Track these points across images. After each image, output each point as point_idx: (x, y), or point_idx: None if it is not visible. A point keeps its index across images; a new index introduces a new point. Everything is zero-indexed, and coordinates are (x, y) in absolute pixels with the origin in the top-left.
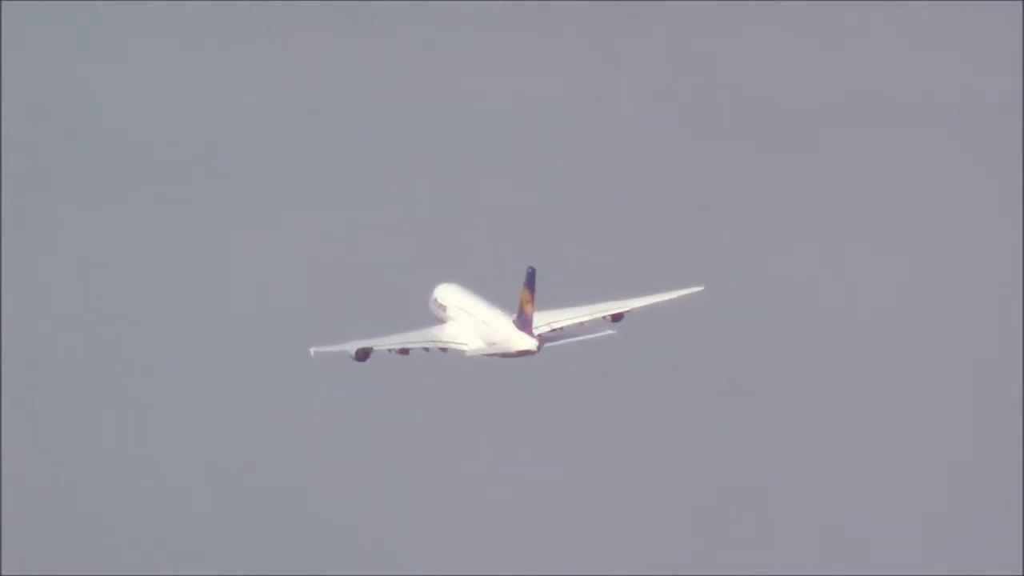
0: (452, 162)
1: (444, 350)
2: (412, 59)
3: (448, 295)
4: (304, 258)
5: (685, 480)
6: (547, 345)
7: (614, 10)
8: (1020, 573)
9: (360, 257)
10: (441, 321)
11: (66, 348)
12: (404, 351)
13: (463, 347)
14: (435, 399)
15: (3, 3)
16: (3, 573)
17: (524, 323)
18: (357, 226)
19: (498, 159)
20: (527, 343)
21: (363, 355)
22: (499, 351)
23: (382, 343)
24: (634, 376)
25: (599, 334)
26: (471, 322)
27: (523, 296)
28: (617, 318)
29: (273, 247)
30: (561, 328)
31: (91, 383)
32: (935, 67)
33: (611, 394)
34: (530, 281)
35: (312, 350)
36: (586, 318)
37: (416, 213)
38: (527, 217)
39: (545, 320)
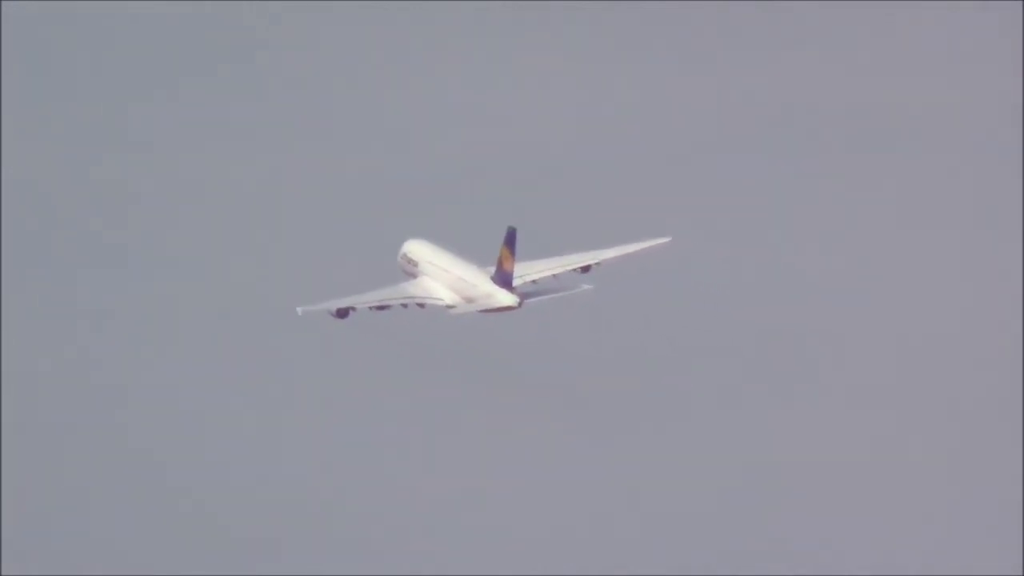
0: (410, 121)
1: (421, 306)
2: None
3: (418, 250)
4: (265, 220)
5: (667, 440)
6: (526, 301)
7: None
8: (1020, 573)
9: (324, 216)
10: (412, 276)
11: (56, 343)
12: (382, 307)
13: (440, 302)
14: (418, 354)
15: (3, 3)
16: (3, 573)
17: (503, 279)
18: (317, 188)
19: (457, 118)
20: (509, 299)
21: (343, 313)
22: (479, 307)
23: (360, 300)
24: (611, 329)
25: (578, 289)
26: (445, 277)
27: (503, 253)
28: (585, 269)
29: (236, 211)
30: (534, 281)
31: (81, 375)
32: (935, 67)
33: (590, 348)
34: (510, 240)
35: (299, 309)
36: (558, 270)
37: (371, 173)
38: (487, 172)
39: (517, 273)
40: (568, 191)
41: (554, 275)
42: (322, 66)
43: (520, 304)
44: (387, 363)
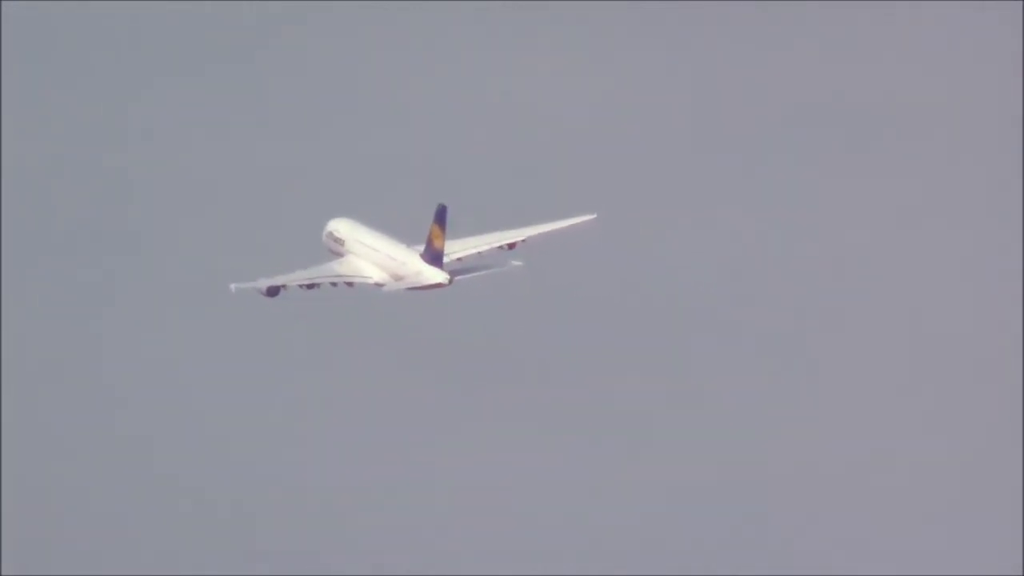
0: (333, 101)
1: (350, 284)
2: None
3: (344, 229)
4: (193, 197)
5: (611, 423)
6: (457, 278)
7: None
8: (1020, 573)
9: (249, 195)
10: (338, 255)
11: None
12: (312, 286)
13: (368, 280)
14: (351, 334)
15: (3, 3)
16: (3, 573)
17: (433, 257)
18: (242, 167)
19: (382, 98)
20: (439, 276)
21: (273, 291)
22: (409, 285)
23: (289, 279)
24: (541, 305)
25: (507, 267)
26: (374, 256)
27: (433, 231)
28: (511, 246)
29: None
30: (460, 259)
31: (81, 373)
32: (935, 67)
33: (521, 324)
34: (440, 217)
35: (232, 286)
36: (483, 248)
37: (294, 152)
38: (409, 151)
39: (444, 251)
40: (496, 172)
41: (479, 252)
42: (310, 65)
43: (450, 281)
44: (321, 345)
